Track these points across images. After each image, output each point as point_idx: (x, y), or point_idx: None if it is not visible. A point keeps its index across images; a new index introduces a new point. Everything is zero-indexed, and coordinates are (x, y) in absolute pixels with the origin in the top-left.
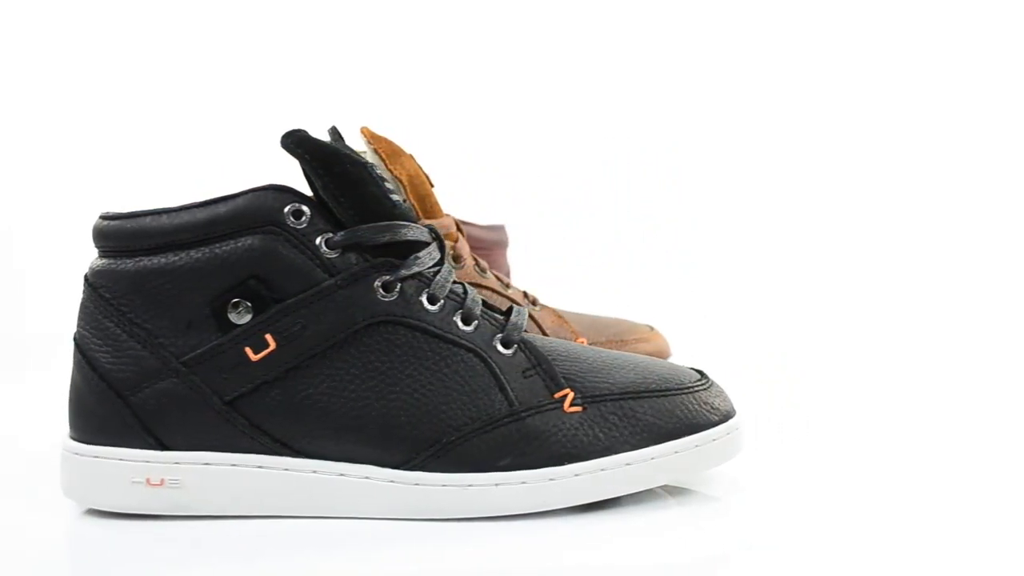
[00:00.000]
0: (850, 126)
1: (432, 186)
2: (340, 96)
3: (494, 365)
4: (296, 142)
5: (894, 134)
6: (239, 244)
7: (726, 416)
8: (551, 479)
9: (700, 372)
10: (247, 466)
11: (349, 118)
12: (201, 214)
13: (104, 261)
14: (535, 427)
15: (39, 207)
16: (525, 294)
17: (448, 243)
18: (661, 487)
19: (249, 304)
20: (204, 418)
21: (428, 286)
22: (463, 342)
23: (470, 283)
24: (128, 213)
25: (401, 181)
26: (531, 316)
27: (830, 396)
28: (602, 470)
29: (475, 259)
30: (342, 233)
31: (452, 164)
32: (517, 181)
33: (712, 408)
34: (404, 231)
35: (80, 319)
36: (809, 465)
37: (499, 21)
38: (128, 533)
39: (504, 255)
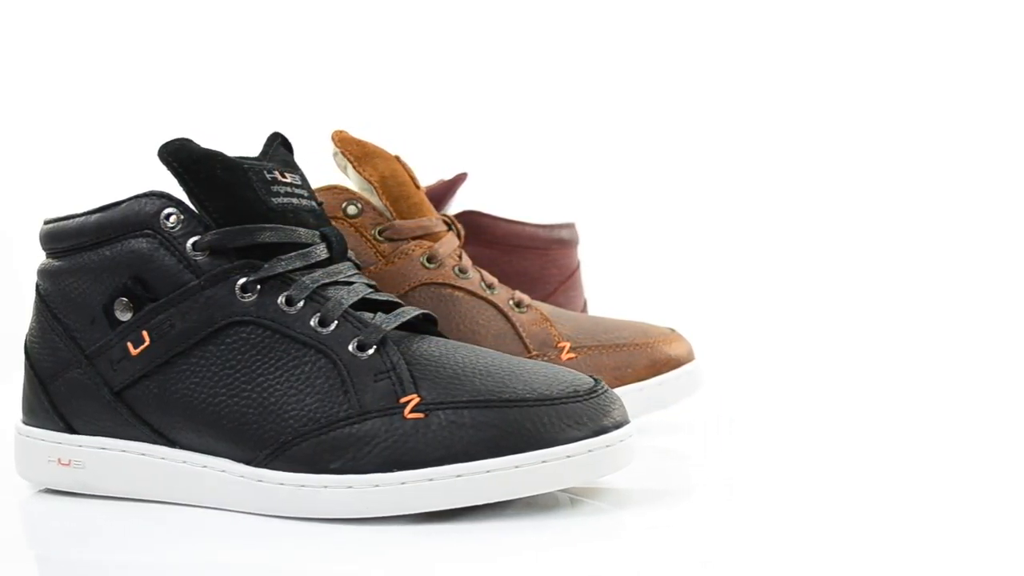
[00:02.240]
0: (900, 143)
1: (418, 187)
2: (360, 97)
3: (343, 367)
4: (169, 151)
5: (950, 156)
6: (123, 247)
7: (596, 432)
8: (376, 485)
9: (595, 380)
10: (133, 452)
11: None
12: (94, 219)
13: (43, 262)
14: (370, 431)
15: (38, 207)
16: (512, 296)
17: (425, 244)
18: (567, 497)
19: (131, 303)
20: (99, 406)
21: (288, 287)
22: (314, 343)
23: (448, 284)
24: (55, 217)
25: (372, 183)
26: (509, 319)
27: (835, 400)
28: (430, 480)
29: (459, 258)
30: (207, 236)
31: (506, 165)
32: (578, 181)
33: (577, 423)
34: (266, 234)
35: (31, 316)
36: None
37: (533, 23)
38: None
39: (569, 253)
